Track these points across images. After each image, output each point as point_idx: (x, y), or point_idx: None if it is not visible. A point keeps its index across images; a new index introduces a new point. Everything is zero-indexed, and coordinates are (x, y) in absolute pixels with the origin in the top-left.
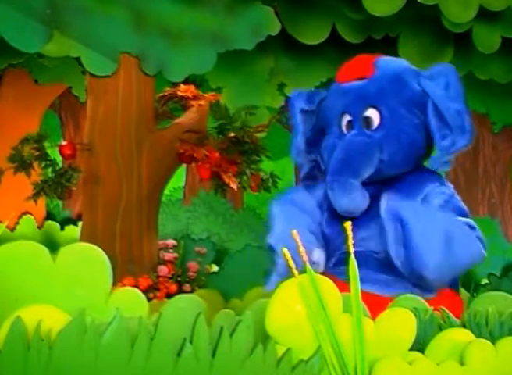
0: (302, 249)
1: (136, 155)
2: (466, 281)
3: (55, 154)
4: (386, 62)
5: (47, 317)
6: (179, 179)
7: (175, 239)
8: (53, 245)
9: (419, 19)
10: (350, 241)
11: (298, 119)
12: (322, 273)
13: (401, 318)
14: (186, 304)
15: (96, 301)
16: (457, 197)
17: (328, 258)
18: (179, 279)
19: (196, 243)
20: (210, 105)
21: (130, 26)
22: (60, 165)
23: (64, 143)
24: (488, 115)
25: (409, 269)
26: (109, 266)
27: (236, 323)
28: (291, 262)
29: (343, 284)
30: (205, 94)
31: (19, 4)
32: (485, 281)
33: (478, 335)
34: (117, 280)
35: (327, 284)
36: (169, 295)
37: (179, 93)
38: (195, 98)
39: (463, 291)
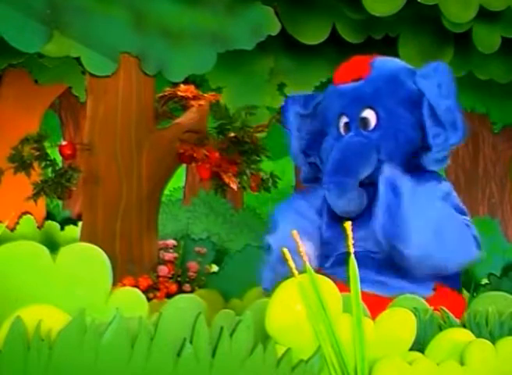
0: (302, 249)
1: (136, 155)
2: (466, 281)
3: (55, 154)
4: (382, 62)
5: (47, 317)
6: (179, 179)
7: (175, 239)
8: (53, 245)
9: (419, 19)
10: (350, 241)
11: (292, 123)
12: (320, 274)
13: (401, 318)
14: (186, 304)
15: (96, 301)
16: (455, 195)
17: (326, 259)
18: (179, 279)
19: (196, 243)
20: (210, 105)
21: (130, 26)
22: (60, 165)
23: (64, 143)
24: (488, 115)
25: (390, 244)
26: (109, 266)
27: (236, 323)
28: (291, 263)
29: (341, 285)
30: (205, 94)
31: (19, 4)
32: (485, 281)
33: (478, 335)
34: (117, 280)
35: (327, 284)
36: (169, 295)
37: (179, 93)
38: (195, 98)
39: (463, 291)
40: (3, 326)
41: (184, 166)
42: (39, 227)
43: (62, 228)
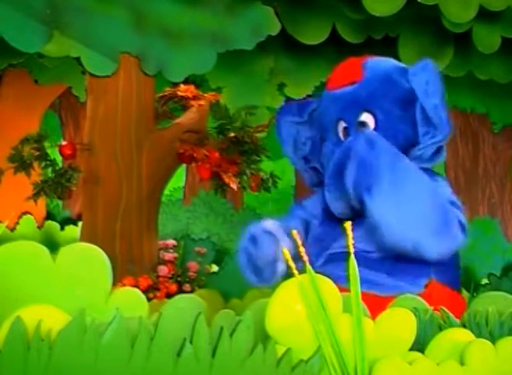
0: (302, 249)
1: (136, 155)
2: (466, 281)
3: (55, 154)
4: (374, 63)
5: (47, 317)
6: (179, 179)
7: (175, 239)
8: (53, 245)
9: (419, 19)
10: (350, 241)
11: (284, 133)
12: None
13: (401, 318)
14: (186, 304)
15: (96, 301)
16: (450, 189)
17: (316, 257)
18: (179, 279)
19: (196, 243)
20: (210, 105)
21: (130, 26)
22: (60, 165)
23: (64, 143)
24: (488, 115)
25: (358, 195)
26: (109, 266)
27: (236, 323)
28: (291, 263)
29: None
30: (205, 94)
31: (19, 4)
32: (485, 281)
33: (478, 335)
34: (117, 280)
35: (327, 284)
36: (169, 295)
37: (179, 93)
38: (195, 98)
39: (463, 291)
40: (3, 326)
41: (184, 166)
42: (39, 227)
43: (62, 228)
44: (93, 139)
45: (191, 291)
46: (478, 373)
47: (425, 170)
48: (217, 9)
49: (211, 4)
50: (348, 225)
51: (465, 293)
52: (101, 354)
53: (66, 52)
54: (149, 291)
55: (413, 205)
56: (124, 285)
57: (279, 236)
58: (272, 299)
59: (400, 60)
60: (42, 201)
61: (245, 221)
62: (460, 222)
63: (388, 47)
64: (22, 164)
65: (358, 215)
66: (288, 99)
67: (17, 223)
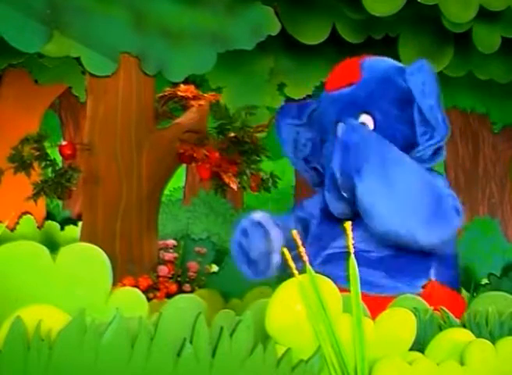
0: (302, 249)
1: (136, 155)
2: (466, 281)
3: (55, 154)
4: (371, 63)
5: (47, 317)
6: (179, 179)
7: (175, 239)
8: (53, 245)
9: (419, 19)
10: (350, 241)
11: (285, 135)
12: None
13: (401, 318)
14: (186, 304)
15: (96, 301)
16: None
17: (314, 257)
18: (179, 279)
19: (196, 243)
20: (210, 105)
21: (130, 26)
22: (60, 165)
23: (64, 143)
24: (488, 115)
25: (343, 176)
26: (109, 266)
27: (236, 323)
28: (291, 263)
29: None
30: (205, 94)
31: (19, 4)
32: (485, 281)
33: (478, 335)
34: (117, 280)
35: (327, 284)
36: (169, 295)
37: (179, 93)
38: (195, 98)
39: (463, 291)
40: (3, 326)
41: (184, 166)
42: (39, 227)
43: (62, 228)
44: (93, 139)
45: (191, 291)
46: (478, 373)
47: (428, 171)
48: (217, 9)
49: (211, 4)
50: (348, 225)
51: (465, 293)
52: (101, 354)
53: (66, 52)
54: (149, 291)
55: (403, 186)
56: (124, 285)
57: (268, 226)
58: (272, 299)
59: (400, 60)
60: (42, 201)
61: None
62: (454, 207)
63: (388, 47)
64: (22, 164)
65: (358, 215)
66: (288, 99)
67: (17, 223)
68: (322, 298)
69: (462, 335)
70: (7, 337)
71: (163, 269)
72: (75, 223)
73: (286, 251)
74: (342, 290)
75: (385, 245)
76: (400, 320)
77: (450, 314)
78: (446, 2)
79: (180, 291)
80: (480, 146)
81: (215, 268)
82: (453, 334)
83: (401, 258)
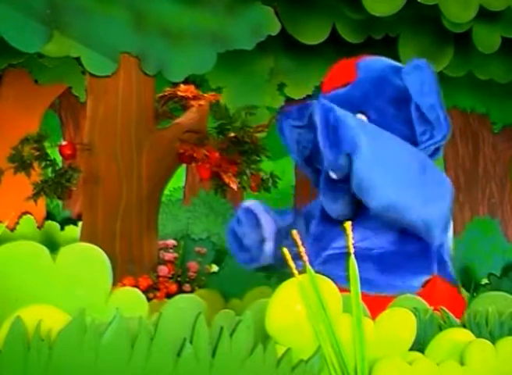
0: (302, 249)
1: (136, 155)
2: (466, 281)
3: (55, 154)
4: (368, 63)
5: (47, 317)
6: (179, 179)
7: (175, 239)
8: (53, 245)
9: (419, 19)
10: (350, 241)
11: (289, 138)
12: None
13: (401, 318)
14: (186, 304)
15: (96, 301)
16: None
17: (314, 257)
18: (179, 279)
19: (196, 243)
20: (210, 105)
21: (130, 26)
22: (60, 165)
23: (64, 143)
24: (488, 115)
25: (333, 152)
26: (109, 266)
27: (236, 323)
28: (291, 263)
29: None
30: (205, 94)
31: (19, 4)
32: (485, 281)
33: (478, 335)
34: (117, 280)
35: (327, 284)
36: (169, 295)
37: (179, 93)
38: (195, 98)
39: (463, 290)
40: (3, 326)
41: (184, 166)
42: (39, 227)
43: (62, 228)
44: (93, 139)
45: (191, 291)
46: (478, 373)
47: None
48: (217, 9)
49: (211, 4)
50: (348, 225)
51: (465, 293)
52: (101, 354)
53: (66, 52)
54: (149, 291)
55: (397, 159)
56: (124, 285)
57: (258, 213)
58: (272, 299)
59: (400, 60)
60: (42, 201)
61: None
62: (445, 183)
63: (388, 47)
64: (22, 164)
65: (356, 215)
66: (288, 99)
67: (17, 223)
68: (322, 298)
69: (462, 335)
70: (7, 337)
71: (163, 269)
72: (75, 223)
73: (285, 251)
74: (342, 290)
75: (384, 241)
76: (399, 320)
77: (450, 314)
78: (446, 2)
79: (180, 291)
80: (480, 146)
81: (215, 268)
82: (453, 334)
83: (402, 255)
